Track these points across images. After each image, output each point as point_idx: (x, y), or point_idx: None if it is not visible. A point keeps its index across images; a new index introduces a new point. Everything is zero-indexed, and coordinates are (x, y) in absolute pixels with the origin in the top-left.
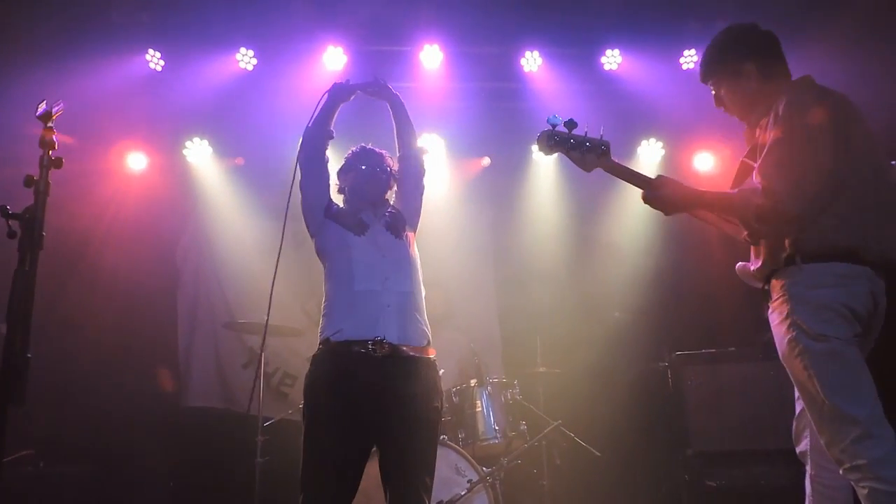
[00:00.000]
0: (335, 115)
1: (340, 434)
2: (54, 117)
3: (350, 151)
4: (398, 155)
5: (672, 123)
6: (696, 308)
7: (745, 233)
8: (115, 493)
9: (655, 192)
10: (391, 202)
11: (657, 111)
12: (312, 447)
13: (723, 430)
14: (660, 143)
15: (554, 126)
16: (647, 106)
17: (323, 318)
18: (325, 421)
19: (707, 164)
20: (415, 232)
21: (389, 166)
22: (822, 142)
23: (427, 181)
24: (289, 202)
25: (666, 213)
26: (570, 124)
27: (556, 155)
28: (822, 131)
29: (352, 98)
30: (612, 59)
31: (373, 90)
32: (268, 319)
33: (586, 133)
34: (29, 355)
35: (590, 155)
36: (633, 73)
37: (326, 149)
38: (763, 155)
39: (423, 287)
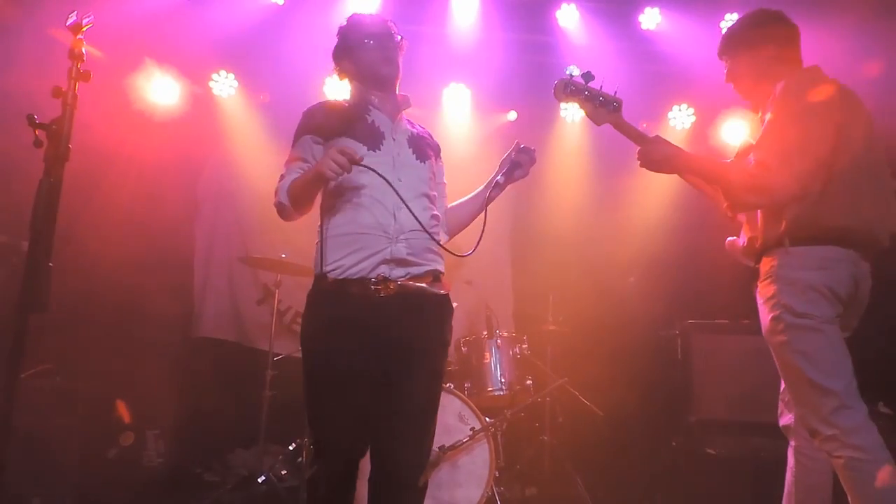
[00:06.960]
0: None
1: (344, 380)
2: (84, 29)
3: (340, 28)
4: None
5: (706, 91)
6: (712, 278)
7: (726, 205)
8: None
9: (647, 146)
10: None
11: (692, 77)
12: (315, 392)
13: (728, 400)
14: (691, 110)
15: (571, 76)
16: (682, 70)
17: (319, 247)
18: (325, 369)
19: (737, 135)
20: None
21: (400, 49)
22: (813, 124)
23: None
24: None
25: (656, 171)
26: (587, 76)
27: (582, 116)
28: (814, 114)
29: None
30: (650, 18)
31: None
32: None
33: (601, 87)
34: (50, 264)
35: (602, 109)
36: (670, 34)
37: None
38: (761, 133)
39: (440, 219)
